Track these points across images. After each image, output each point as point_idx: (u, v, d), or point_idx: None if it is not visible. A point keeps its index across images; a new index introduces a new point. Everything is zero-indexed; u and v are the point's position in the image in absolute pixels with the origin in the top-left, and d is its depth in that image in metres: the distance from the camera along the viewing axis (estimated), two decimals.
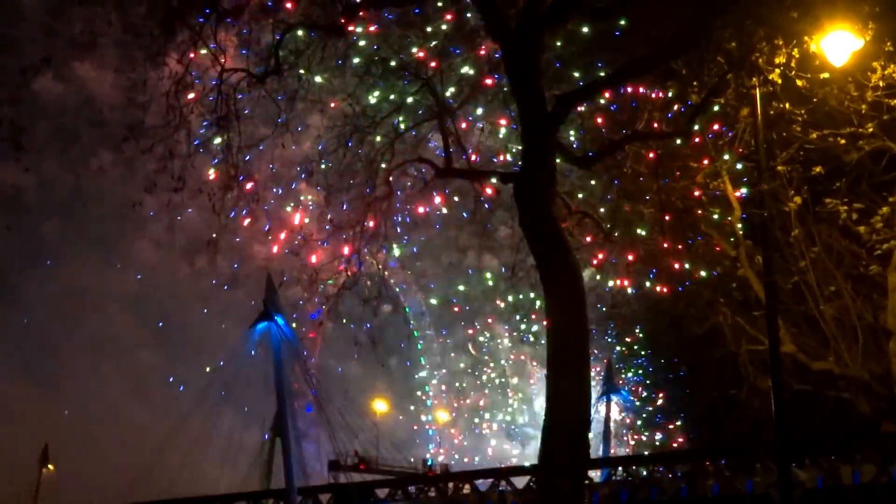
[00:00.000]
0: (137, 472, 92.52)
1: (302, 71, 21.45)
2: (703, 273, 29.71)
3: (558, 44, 22.95)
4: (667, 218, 27.34)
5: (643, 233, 28.01)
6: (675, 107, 23.67)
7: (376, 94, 23.78)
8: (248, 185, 23.81)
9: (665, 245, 28.81)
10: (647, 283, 31.79)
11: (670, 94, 23.52)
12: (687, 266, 30.21)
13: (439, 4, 23.44)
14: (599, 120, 26.74)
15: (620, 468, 67.42)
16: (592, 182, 28.57)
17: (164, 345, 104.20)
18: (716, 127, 26.22)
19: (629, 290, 32.84)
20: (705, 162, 26.80)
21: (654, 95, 23.15)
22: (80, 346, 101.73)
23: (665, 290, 31.23)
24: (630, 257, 28.54)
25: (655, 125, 23.79)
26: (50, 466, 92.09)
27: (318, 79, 23.99)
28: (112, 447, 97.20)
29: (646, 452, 68.91)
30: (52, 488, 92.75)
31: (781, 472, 21.52)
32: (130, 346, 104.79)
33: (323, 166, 25.81)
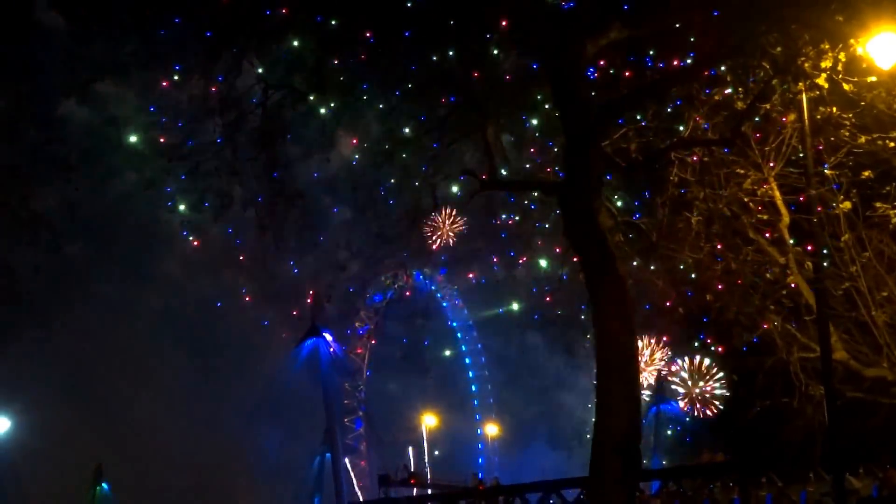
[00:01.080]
0: (191, 490, 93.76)
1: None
2: (752, 280, 29.55)
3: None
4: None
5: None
6: (721, 113, 23.47)
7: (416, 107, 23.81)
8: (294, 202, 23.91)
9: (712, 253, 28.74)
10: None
11: (716, 100, 23.37)
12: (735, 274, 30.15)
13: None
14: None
15: (672, 480, 67.04)
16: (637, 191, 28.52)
17: (203, 363, 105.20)
18: (758, 135, 26.10)
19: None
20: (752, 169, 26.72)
21: (699, 102, 23.00)
22: (118, 367, 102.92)
23: (711, 298, 31.10)
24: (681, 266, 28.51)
25: (700, 132, 23.77)
26: (104, 486, 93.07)
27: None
28: (162, 466, 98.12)
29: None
30: None
31: (836, 481, 21.32)
32: (171, 365, 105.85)
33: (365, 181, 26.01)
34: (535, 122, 25.29)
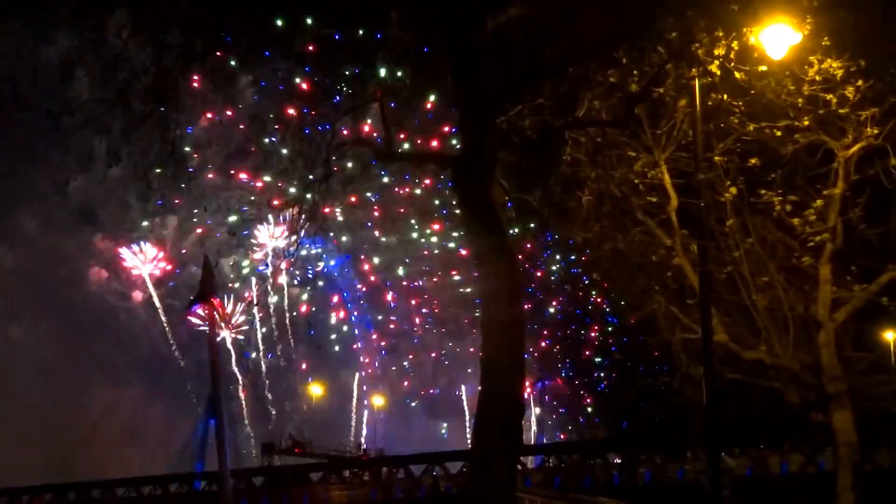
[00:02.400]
0: (67, 455, 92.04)
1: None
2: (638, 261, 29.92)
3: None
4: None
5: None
6: (616, 95, 23.68)
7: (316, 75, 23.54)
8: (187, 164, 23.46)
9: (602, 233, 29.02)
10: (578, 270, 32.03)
11: (611, 82, 23.56)
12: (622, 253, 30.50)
13: None
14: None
15: (554, 455, 68.07)
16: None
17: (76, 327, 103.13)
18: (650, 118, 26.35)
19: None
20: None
21: (594, 83, 23.16)
22: None
23: (598, 277, 31.44)
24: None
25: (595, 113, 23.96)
26: None
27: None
28: (36, 434, 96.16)
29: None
30: None
31: (711, 460, 21.77)
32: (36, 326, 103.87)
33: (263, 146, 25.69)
34: (431, 97, 25.24)
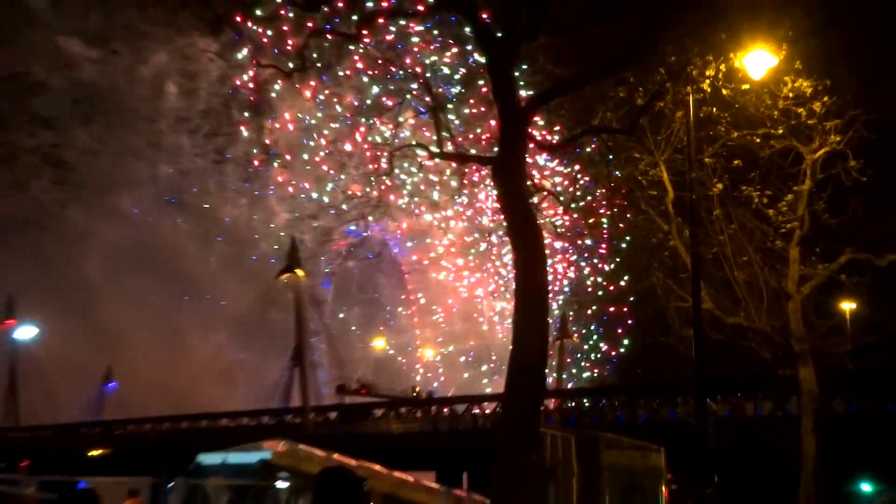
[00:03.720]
0: (180, 393, 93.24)
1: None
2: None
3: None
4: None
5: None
6: (625, 107, 23.58)
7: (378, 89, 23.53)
8: (278, 162, 23.44)
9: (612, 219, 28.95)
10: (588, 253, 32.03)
11: (621, 96, 23.46)
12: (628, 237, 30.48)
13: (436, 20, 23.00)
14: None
15: (569, 398, 68.05)
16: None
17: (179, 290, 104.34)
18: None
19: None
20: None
21: (607, 97, 23.09)
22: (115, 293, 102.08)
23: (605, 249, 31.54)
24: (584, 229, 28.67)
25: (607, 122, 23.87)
26: (113, 383, 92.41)
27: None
28: (154, 376, 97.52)
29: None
30: (117, 400, 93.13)
31: (698, 404, 21.69)
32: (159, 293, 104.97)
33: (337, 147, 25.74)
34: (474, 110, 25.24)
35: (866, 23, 21.91)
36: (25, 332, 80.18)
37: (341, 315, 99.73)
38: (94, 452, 79.47)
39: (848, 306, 29.83)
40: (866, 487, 35.43)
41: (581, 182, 30.54)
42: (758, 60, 20.31)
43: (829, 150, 25.39)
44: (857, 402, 44.80)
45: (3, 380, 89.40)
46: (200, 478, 23.38)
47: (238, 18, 18.52)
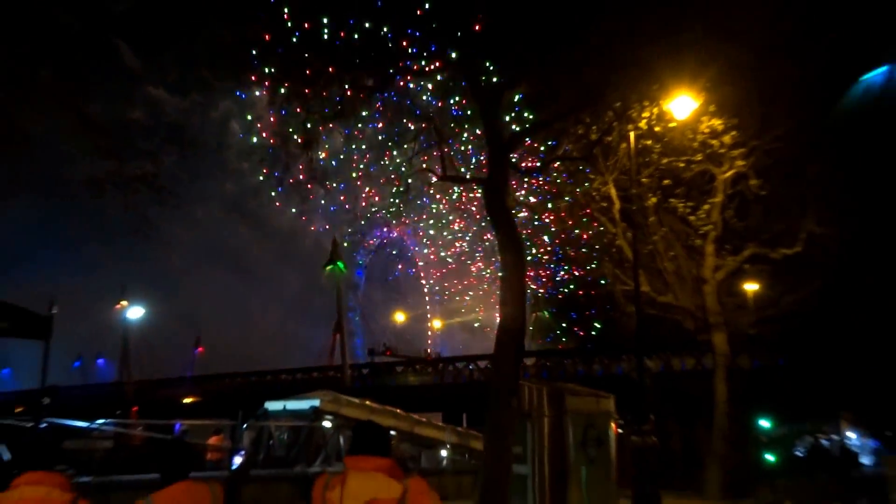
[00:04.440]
0: (254, 350, 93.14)
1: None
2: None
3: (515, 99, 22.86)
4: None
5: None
6: (582, 140, 23.60)
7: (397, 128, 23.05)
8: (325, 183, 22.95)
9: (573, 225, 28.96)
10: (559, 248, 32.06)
11: (579, 132, 23.48)
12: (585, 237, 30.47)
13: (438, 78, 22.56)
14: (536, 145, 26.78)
15: (542, 358, 67.98)
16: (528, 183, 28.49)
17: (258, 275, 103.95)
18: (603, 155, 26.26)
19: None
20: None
21: (569, 132, 23.07)
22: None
23: (573, 253, 31.62)
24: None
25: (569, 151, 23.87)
26: (200, 348, 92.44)
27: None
28: (237, 339, 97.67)
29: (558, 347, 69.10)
30: (203, 360, 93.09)
31: (638, 361, 21.73)
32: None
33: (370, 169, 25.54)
34: (472, 142, 25.16)
35: (763, 75, 21.89)
36: (134, 312, 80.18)
37: (374, 295, 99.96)
38: (187, 400, 79.61)
39: (751, 287, 29.79)
40: (765, 423, 35.39)
41: (549, 197, 30.55)
42: (682, 104, 20.32)
43: (735, 172, 25.42)
44: (758, 359, 44.68)
45: (119, 347, 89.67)
46: (266, 420, 23.44)
47: (286, 83, 18.09)
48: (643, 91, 19.56)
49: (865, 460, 24.34)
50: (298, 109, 18.64)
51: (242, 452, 20.37)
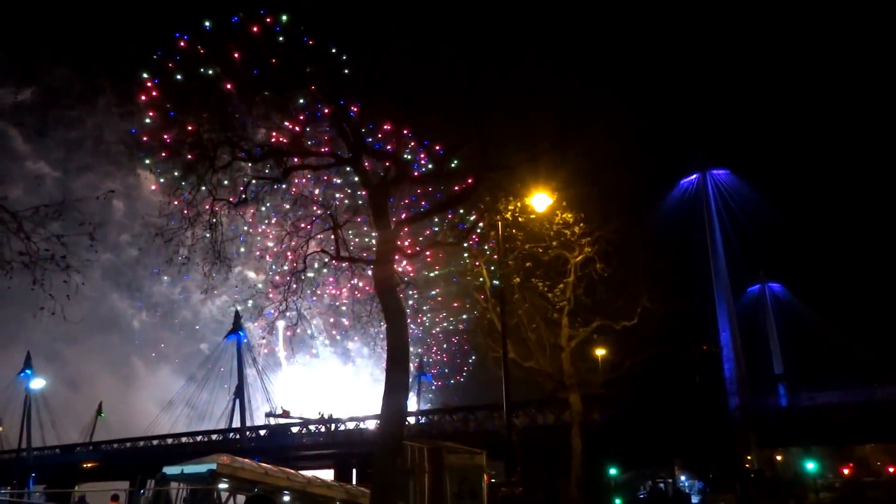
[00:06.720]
0: (155, 417, 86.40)
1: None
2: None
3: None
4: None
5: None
6: (458, 228, 23.96)
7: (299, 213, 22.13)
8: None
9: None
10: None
11: (455, 221, 23.84)
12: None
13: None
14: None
15: (424, 416, 66.75)
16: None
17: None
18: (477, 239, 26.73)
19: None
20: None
21: (448, 222, 23.35)
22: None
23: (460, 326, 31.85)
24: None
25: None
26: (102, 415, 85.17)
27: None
28: (139, 404, 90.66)
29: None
30: (105, 424, 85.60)
31: (507, 419, 21.73)
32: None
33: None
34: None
35: (603, 179, 23.41)
36: (36, 383, 73.62)
37: (271, 358, 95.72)
38: (87, 465, 72.49)
39: (600, 353, 30.89)
40: (612, 471, 36.20)
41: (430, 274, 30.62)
42: (540, 200, 21.18)
43: (584, 256, 26.62)
44: (606, 413, 45.83)
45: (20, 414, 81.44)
46: (164, 484, 21.67)
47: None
48: (508, 189, 20.35)
49: (695, 499, 25.29)
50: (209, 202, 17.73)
51: None
